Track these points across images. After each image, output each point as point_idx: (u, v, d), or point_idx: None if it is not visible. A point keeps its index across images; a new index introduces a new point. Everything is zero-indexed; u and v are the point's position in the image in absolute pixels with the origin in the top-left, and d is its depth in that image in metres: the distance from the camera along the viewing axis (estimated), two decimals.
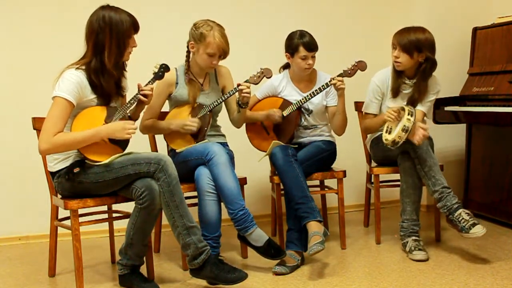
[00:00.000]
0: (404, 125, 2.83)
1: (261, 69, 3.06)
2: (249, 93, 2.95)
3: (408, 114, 2.86)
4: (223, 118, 3.22)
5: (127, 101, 2.68)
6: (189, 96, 3.02)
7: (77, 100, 2.53)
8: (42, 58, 3.61)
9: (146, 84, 2.71)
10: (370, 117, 3.31)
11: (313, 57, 3.17)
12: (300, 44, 3.12)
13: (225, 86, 3.14)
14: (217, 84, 3.13)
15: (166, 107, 3.15)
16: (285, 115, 3.21)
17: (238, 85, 2.94)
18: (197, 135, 3.00)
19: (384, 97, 3.27)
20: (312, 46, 3.13)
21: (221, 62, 3.04)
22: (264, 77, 3.07)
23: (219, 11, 3.70)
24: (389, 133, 2.98)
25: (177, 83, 3.05)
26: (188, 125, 2.96)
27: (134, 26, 2.60)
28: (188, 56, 3.06)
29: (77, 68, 2.56)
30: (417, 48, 3.06)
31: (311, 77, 3.30)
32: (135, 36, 2.64)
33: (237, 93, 2.97)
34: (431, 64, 3.10)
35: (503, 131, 3.58)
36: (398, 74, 3.20)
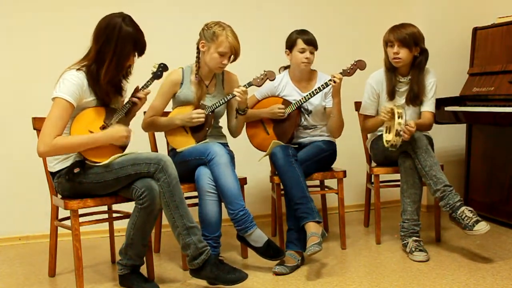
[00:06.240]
0: (396, 130, 2.89)
1: (264, 71, 3.06)
2: (241, 98, 2.93)
3: (398, 118, 2.89)
4: (223, 118, 3.21)
5: (124, 102, 2.68)
6: (195, 96, 3.01)
7: (77, 101, 2.52)
8: (42, 58, 3.61)
9: (145, 84, 2.71)
10: (368, 118, 3.34)
11: (312, 53, 3.17)
12: (298, 37, 3.17)
13: (230, 93, 3.12)
14: (223, 89, 3.12)
15: (168, 107, 3.14)
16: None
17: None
18: (199, 135, 3.00)
19: (380, 98, 3.28)
20: (310, 41, 3.15)
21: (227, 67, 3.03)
22: (267, 80, 3.07)
23: (219, 11, 3.70)
24: (389, 132, 3.01)
25: (182, 83, 3.04)
26: (194, 117, 2.95)
27: (140, 51, 2.58)
28: (198, 57, 3.04)
29: (78, 69, 2.56)
30: (414, 42, 3.11)
31: (311, 77, 3.30)
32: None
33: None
34: (426, 55, 3.17)
35: (503, 131, 3.58)
36: (392, 74, 3.21)
